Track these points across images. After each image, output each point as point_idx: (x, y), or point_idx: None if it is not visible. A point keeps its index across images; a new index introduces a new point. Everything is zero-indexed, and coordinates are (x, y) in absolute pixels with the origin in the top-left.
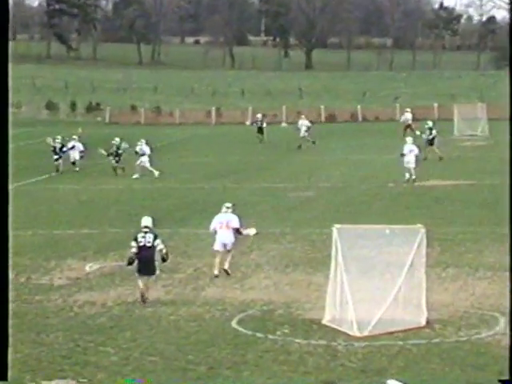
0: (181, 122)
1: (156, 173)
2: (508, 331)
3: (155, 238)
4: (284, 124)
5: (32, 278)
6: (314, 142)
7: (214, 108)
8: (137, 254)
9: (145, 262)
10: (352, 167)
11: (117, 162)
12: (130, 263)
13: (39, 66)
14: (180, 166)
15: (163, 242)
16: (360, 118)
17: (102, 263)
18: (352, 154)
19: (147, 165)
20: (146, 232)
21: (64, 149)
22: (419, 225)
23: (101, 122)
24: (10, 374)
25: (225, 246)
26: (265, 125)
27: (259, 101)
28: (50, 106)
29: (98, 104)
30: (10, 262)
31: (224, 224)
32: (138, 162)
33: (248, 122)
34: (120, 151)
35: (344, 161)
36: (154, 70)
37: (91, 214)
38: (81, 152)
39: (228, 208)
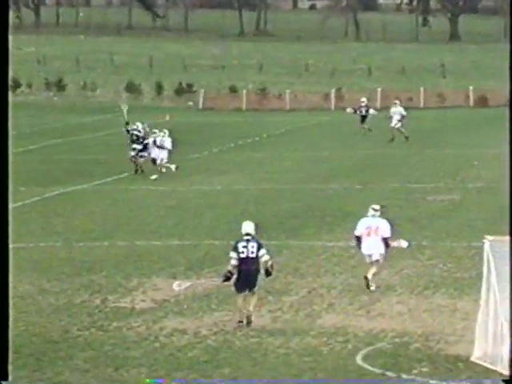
0: (292, 108)
1: (172, 167)
2: None
3: (259, 247)
4: (349, 109)
5: (109, 300)
6: (406, 138)
7: (333, 90)
8: (237, 266)
9: (246, 276)
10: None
11: (138, 155)
12: (228, 278)
13: (118, 38)
14: (291, 163)
15: (269, 252)
16: None
17: (194, 282)
18: (507, 146)
19: (164, 161)
20: (248, 240)
21: (146, 141)
22: None
23: (193, 108)
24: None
25: (370, 256)
26: (372, 112)
27: (390, 80)
28: (131, 89)
29: (189, 85)
30: (84, 281)
31: (372, 230)
32: (159, 160)
33: (349, 109)
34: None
35: (497, 155)
36: (259, 42)
37: (181, 221)
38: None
39: (376, 211)
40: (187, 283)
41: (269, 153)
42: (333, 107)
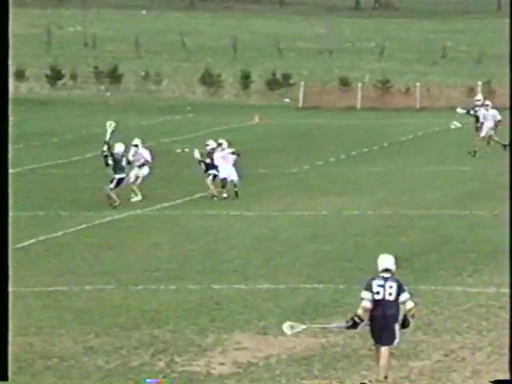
0: (423, 106)
1: (138, 197)
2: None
3: (400, 289)
4: (459, 110)
5: (177, 363)
6: (504, 146)
7: (479, 83)
8: (371, 311)
9: (383, 324)
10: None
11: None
12: (355, 324)
13: (191, 13)
14: (420, 181)
15: (412, 296)
16: None
17: (309, 325)
18: None
19: (138, 182)
20: (386, 278)
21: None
22: None
23: (290, 106)
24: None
25: None
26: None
27: None
28: (208, 80)
29: (285, 76)
30: (144, 336)
31: None
32: (134, 177)
33: (460, 110)
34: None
35: None
36: (379, 19)
37: (273, 257)
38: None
39: None
40: (301, 326)
41: (391, 167)
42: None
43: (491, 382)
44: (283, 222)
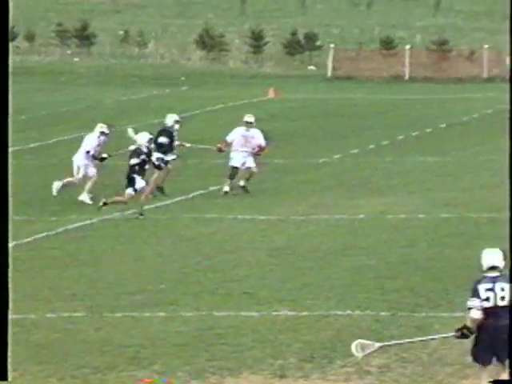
0: (492, 75)
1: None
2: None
3: None
4: None
5: None
6: None
7: None
8: (484, 320)
9: (494, 336)
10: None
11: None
12: (464, 335)
13: None
14: (491, 174)
15: None
16: None
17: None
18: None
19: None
20: (494, 279)
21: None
22: None
23: (317, 76)
24: None
25: None
26: None
27: None
28: (206, 41)
29: (310, 36)
30: (126, 380)
31: None
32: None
33: None
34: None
35: None
36: None
37: (295, 276)
38: None
39: None
40: (376, 344)
41: (450, 156)
42: None
43: (491, 382)
44: (308, 229)
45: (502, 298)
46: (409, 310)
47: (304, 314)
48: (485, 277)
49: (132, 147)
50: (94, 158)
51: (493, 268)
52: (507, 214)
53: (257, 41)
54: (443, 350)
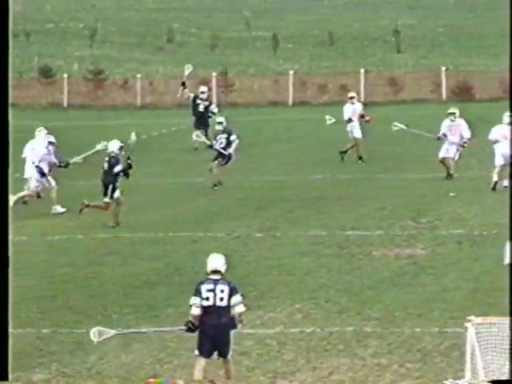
0: (143, 104)
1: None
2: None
3: (232, 292)
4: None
5: None
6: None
7: None
8: (201, 317)
9: (213, 332)
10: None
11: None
12: (190, 329)
13: None
14: None
15: (244, 299)
16: None
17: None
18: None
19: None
20: (215, 281)
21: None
22: None
23: None
24: None
25: None
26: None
27: None
28: None
29: None
30: None
31: None
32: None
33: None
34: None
35: (487, 183)
36: None
37: None
38: None
39: None
40: (111, 331)
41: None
42: None
43: (491, 381)
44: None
45: (221, 299)
46: (69, 327)
47: None
48: (208, 279)
49: (96, 149)
50: (59, 166)
51: (215, 271)
52: (161, 234)
53: None
54: (101, 364)
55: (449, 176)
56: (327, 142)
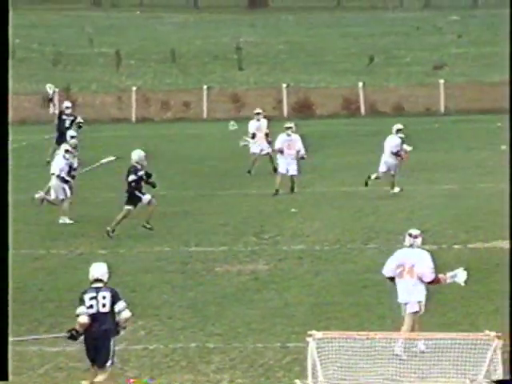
0: None
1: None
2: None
3: (115, 299)
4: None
5: None
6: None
7: None
8: (89, 325)
9: (92, 339)
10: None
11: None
12: (73, 337)
13: None
14: None
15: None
16: None
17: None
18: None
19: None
20: (97, 289)
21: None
22: None
23: None
24: None
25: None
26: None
27: None
28: None
29: None
30: None
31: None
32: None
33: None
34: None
35: (336, 194)
36: None
37: None
38: None
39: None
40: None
41: None
42: None
43: (491, 382)
44: None
45: (104, 305)
46: None
47: None
48: (91, 287)
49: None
50: (73, 177)
51: (97, 280)
52: (28, 251)
53: None
54: None
55: (291, 190)
56: (171, 159)
